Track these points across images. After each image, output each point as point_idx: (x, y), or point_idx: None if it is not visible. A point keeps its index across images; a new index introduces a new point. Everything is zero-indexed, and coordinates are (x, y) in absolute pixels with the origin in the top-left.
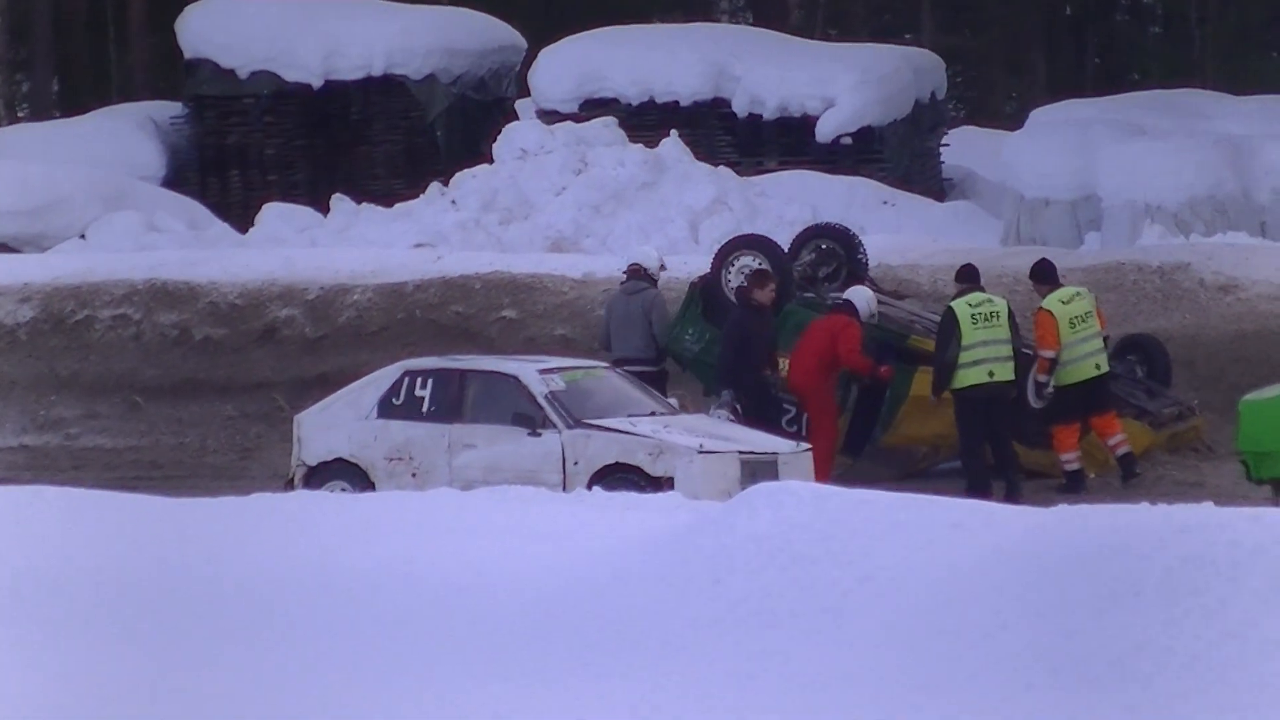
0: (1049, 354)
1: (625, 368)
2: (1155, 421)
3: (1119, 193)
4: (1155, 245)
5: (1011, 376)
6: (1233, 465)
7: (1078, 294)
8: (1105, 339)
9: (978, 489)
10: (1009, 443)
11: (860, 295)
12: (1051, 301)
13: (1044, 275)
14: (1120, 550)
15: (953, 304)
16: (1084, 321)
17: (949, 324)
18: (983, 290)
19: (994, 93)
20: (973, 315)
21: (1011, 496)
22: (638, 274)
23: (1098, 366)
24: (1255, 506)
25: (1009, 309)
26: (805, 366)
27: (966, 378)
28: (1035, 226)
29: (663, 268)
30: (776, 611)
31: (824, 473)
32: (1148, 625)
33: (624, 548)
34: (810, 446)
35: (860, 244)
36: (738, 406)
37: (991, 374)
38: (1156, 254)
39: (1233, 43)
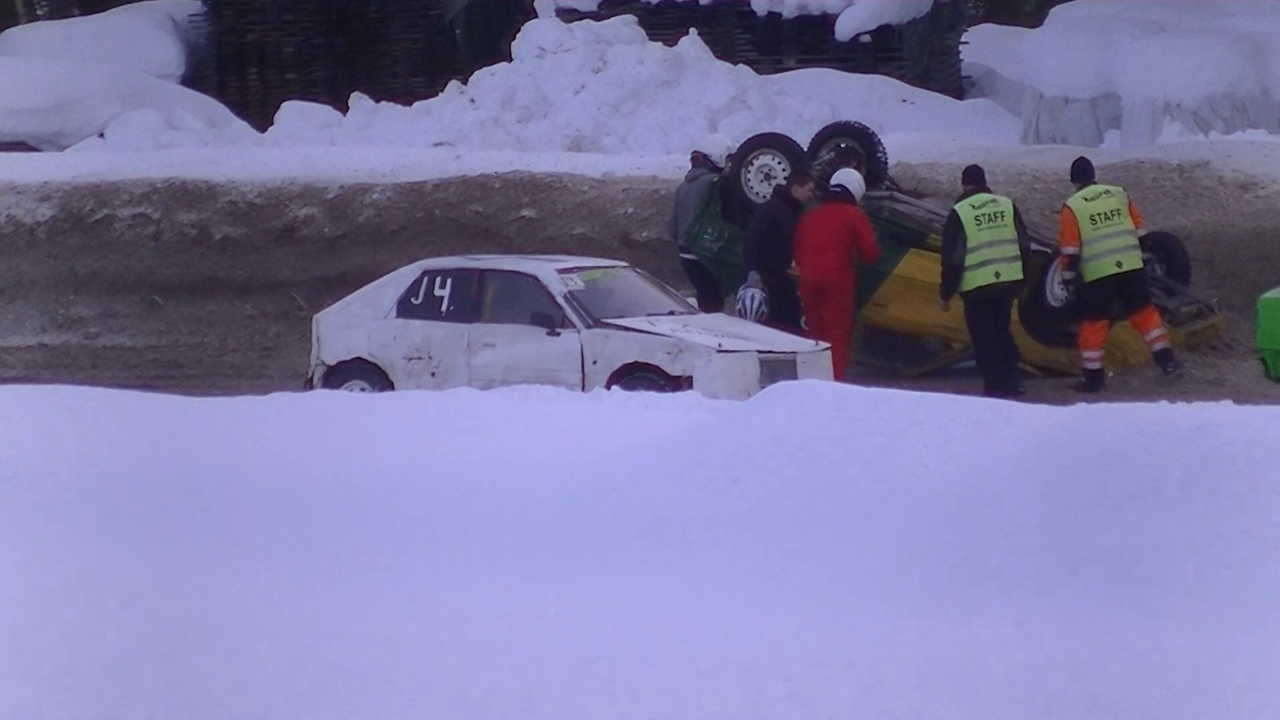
0: (1069, 250)
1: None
2: (1174, 319)
3: (1138, 90)
4: (1174, 143)
5: (1019, 276)
6: (1252, 363)
7: (1106, 191)
8: (1143, 237)
9: (996, 387)
10: (1009, 337)
11: (853, 180)
12: (1075, 199)
13: (1077, 172)
14: (1139, 448)
15: (956, 206)
16: (1107, 219)
17: (953, 227)
18: (988, 191)
19: None
20: (976, 216)
21: (1005, 390)
22: (699, 161)
23: (1119, 264)
24: (1274, 404)
25: (1015, 208)
26: (829, 263)
27: (974, 279)
28: (1055, 124)
29: (729, 157)
30: (795, 510)
31: (840, 370)
32: (1166, 523)
33: (642, 446)
34: (829, 345)
35: (879, 142)
36: (761, 290)
37: (998, 274)
38: (1176, 152)
39: None
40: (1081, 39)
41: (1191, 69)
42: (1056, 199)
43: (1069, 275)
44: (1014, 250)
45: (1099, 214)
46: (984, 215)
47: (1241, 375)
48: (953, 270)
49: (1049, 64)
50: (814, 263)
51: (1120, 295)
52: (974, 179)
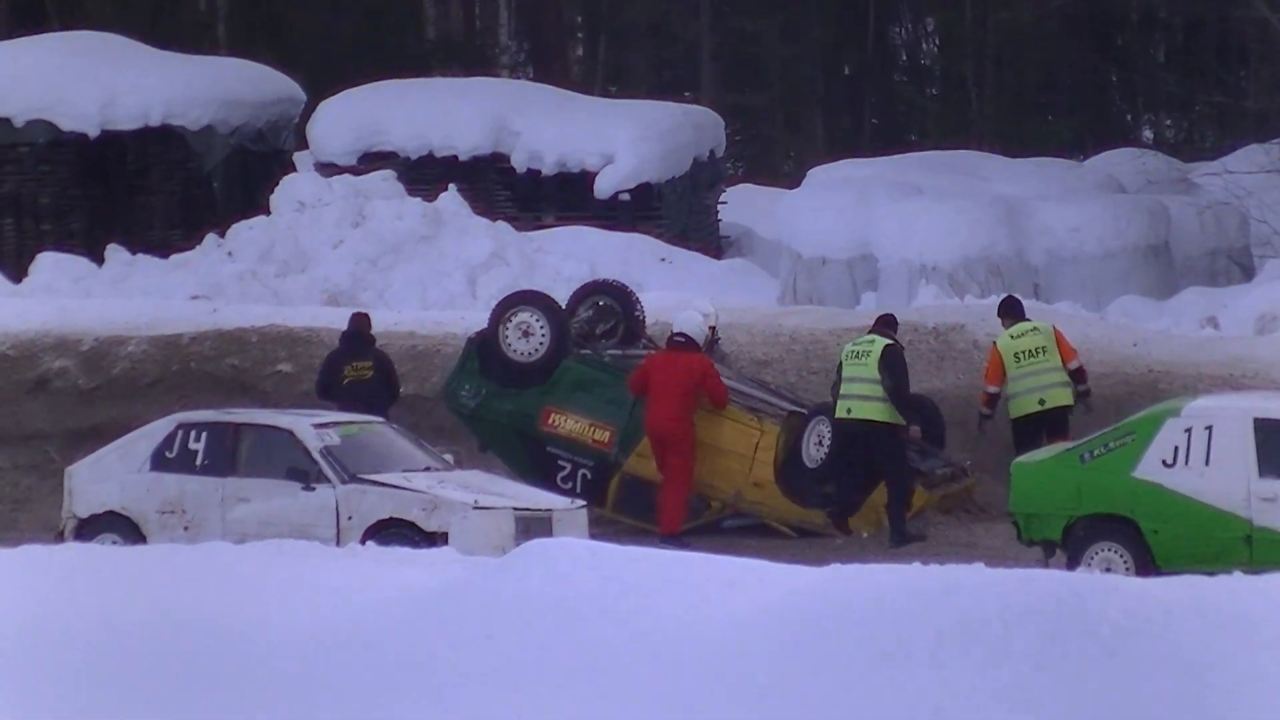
0: (990, 389)
1: None
2: (929, 481)
3: (895, 252)
4: (930, 305)
5: (870, 416)
6: (1005, 526)
7: (1034, 329)
8: (1076, 370)
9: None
10: (876, 479)
11: (692, 324)
12: (1003, 337)
13: (1005, 310)
14: (893, 610)
15: (997, 341)
16: (1032, 356)
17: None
18: (1026, 319)
19: (773, 151)
20: (1016, 354)
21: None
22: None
23: (1041, 401)
24: (1026, 568)
25: (881, 351)
26: (671, 411)
27: (1015, 408)
28: (813, 285)
29: (712, 329)
30: (550, 667)
31: (676, 521)
32: (920, 685)
33: (397, 601)
34: (584, 504)
35: (638, 300)
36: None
37: (850, 410)
38: (931, 314)
39: (1008, 105)
40: (838, 200)
41: (947, 231)
42: (814, 359)
43: (986, 412)
44: (1055, 378)
45: (1023, 351)
46: (1023, 352)
47: (995, 538)
48: (990, 398)
49: (806, 224)
50: (656, 411)
51: (1045, 432)
52: (1010, 311)
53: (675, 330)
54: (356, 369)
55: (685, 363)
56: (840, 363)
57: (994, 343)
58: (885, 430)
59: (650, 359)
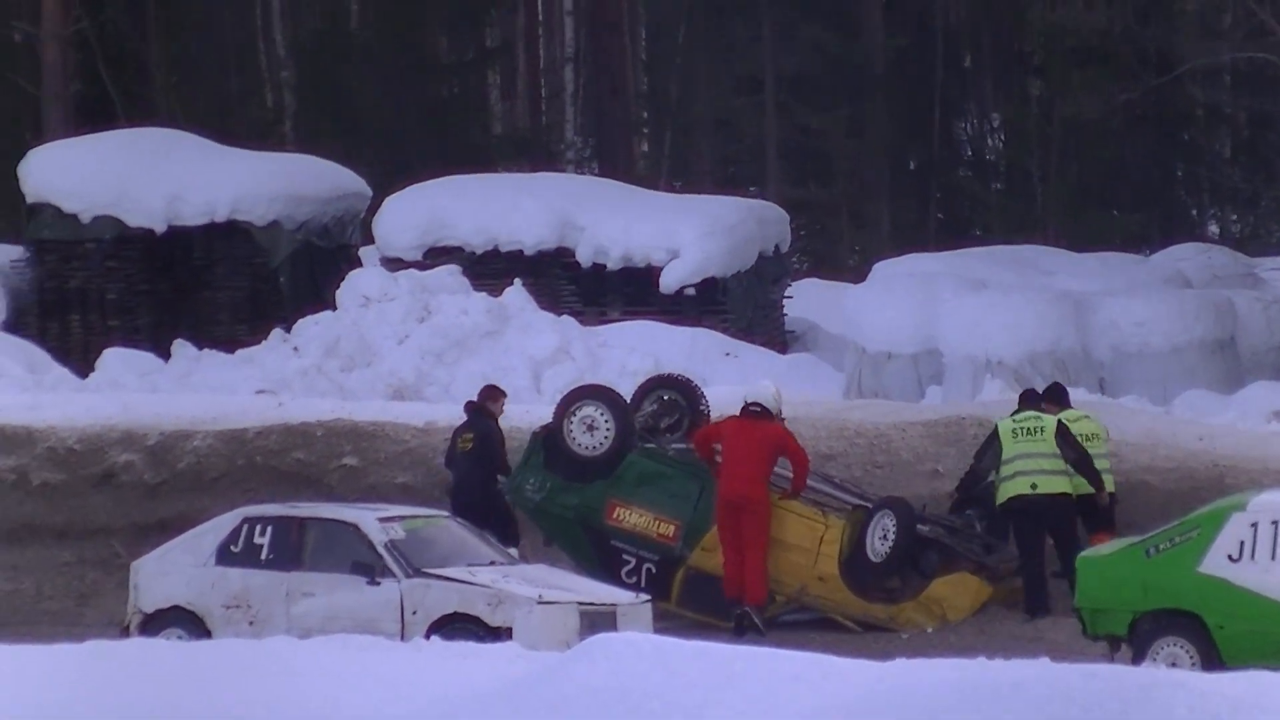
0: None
1: None
2: (992, 575)
3: (960, 346)
4: (996, 400)
5: (1062, 489)
6: (1070, 621)
7: (1037, 416)
8: (1077, 462)
9: (1032, 606)
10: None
11: (766, 394)
12: (1003, 419)
13: (1052, 395)
14: (958, 705)
15: (998, 421)
16: (1029, 436)
17: (990, 439)
18: (1070, 407)
19: (838, 245)
20: (1014, 430)
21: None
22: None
23: (1033, 486)
24: (1090, 662)
25: (1060, 425)
26: (750, 475)
27: (1008, 489)
28: (877, 379)
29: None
30: None
31: (761, 591)
32: None
33: (462, 697)
34: (649, 598)
35: (702, 395)
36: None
37: (1034, 486)
38: (997, 409)
39: (1073, 199)
40: (903, 294)
41: (1012, 326)
42: (878, 453)
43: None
44: (1052, 464)
45: (1020, 429)
46: (1021, 430)
47: (1059, 633)
48: (973, 476)
49: (871, 318)
50: (738, 477)
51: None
52: (1056, 398)
53: (750, 400)
54: (463, 440)
55: (763, 431)
56: (997, 442)
57: (996, 424)
58: (1070, 502)
59: (722, 425)
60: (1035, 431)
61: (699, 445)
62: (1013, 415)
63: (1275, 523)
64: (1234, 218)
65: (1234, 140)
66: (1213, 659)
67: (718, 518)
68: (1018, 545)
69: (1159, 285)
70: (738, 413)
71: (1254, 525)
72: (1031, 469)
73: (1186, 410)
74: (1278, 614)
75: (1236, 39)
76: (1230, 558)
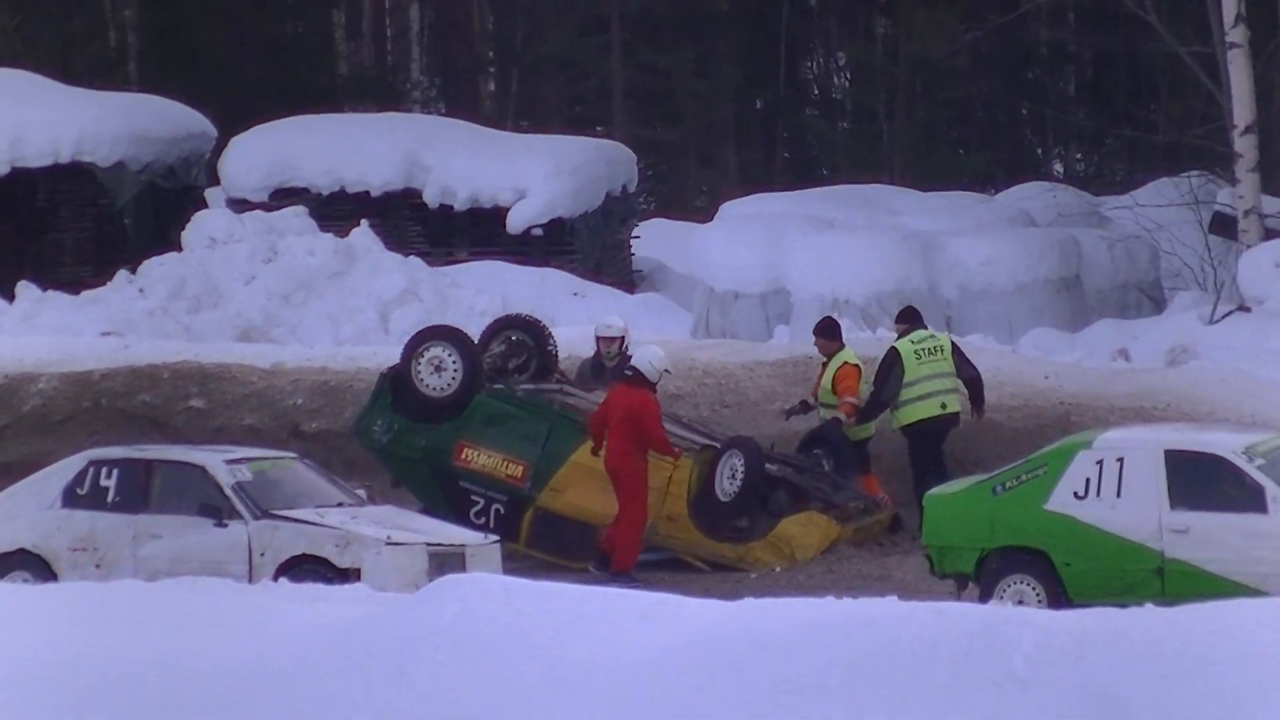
0: (850, 400)
1: None
2: (841, 514)
3: (808, 286)
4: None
5: (959, 409)
6: (918, 559)
7: (932, 335)
8: (972, 380)
9: None
10: (945, 472)
11: (645, 357)
12: (900, 341)
13: (906, 317)
14: (806, 643)
15: (895, 343)
16: (932, 356)
17: (890, 361)
18: (925, 328)
19: (685, 185)
20: (916, 351)
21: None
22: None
23: (943, 406)
24: (939, 600)
25: (954, 344)
26: (621, 447)
27: (917, 412)
28: (725, 319)
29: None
30: (463, 703)
31: (629, 559)
32: (832, 717)
33: (310, 638)
34: (497, 539)
35: (550, 335)
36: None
37: (944, 406)
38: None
39: (919, 139)
40: (750, 234)
41: (860, 265)
42: (727, 393)
43: (828, 415)
44: (954, 384)
45: (924, 350)
46: (923, 350)
47: (907, 571)
48: (879, 404)
49: (719, 259)
50: (608, 447)
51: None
52: (910, 318)
53: (631, 363)
54: None
55: (629, 398)
56: (899, 358)
57: (892, 347)
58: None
59: (609, 394)
60: (936, 351)
61: (593, 425)
62: (909, 337)
63: (1120, 460)
64: (1079, 156)
65: (1078, 79)
66: (1059, 596)
67: None
68: (922, 467)
69: (1004, 224)
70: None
71: (1099, 463)
72: (940, 389)
73: (1032, 349)
74: (1123, 550)
75: None
76: (1076, 495)
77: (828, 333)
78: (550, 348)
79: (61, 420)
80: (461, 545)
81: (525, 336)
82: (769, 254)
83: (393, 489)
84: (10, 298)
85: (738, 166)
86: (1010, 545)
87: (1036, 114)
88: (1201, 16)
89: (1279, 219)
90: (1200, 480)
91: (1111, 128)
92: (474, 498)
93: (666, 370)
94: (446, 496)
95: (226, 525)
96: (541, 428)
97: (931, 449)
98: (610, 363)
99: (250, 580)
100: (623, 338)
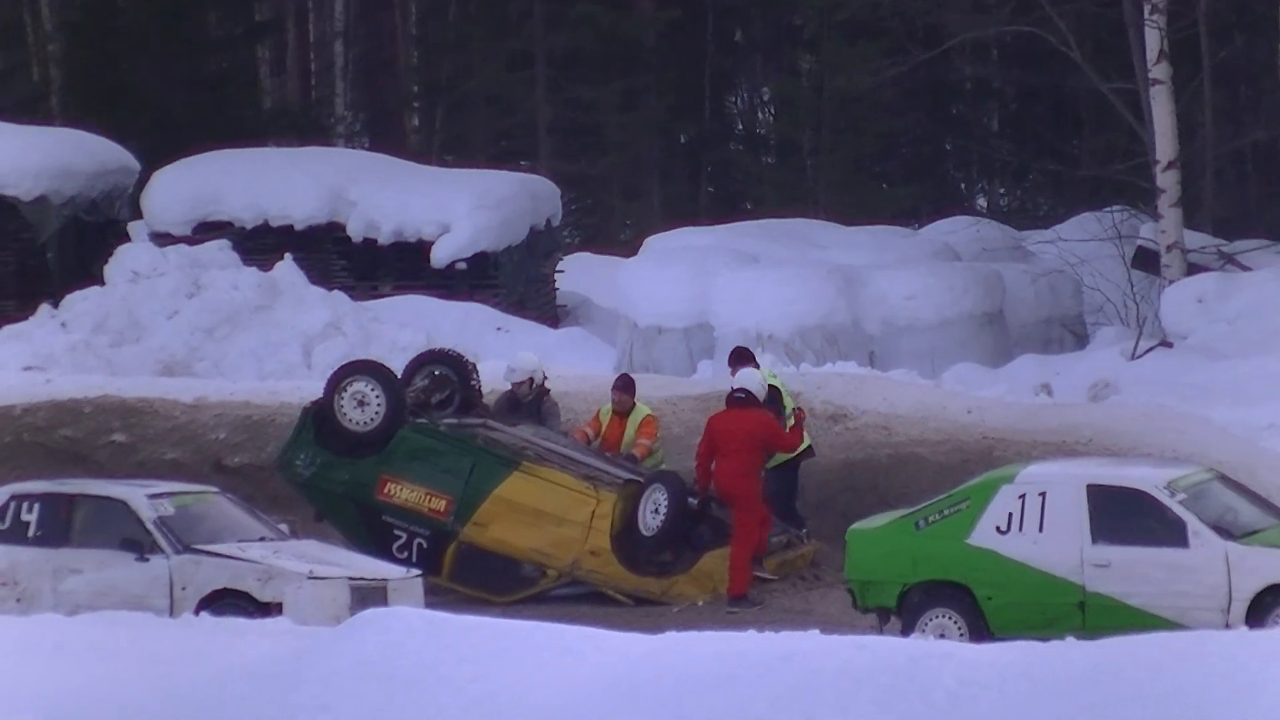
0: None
1: None
2: (764, 549)
3: (732, 321)
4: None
5: None
6: (840, 593)
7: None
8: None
9: None
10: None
11: (753, 380)
12: (771, 377)
13: (738, 358)
14: (728, 677)
15: (770, 380)
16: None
17: (776, 396)
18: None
19: (610, 219)
20: (781, 385)
21: None
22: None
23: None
24: (862, 634)
25: None
26: (742, 469)
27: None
28: (649, 353)
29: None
30: None
31: (744, 582)
32: None
33: (232, 673)
34: (420, 573)
35: (474, 369)
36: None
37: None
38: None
39: (844, 173)
40: (675, 268)
41: (784, 300)
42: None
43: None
44: None
45: (781, 384)
46: (781, 384)
47: (830, 605)
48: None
49: (643, 293)
50: (723, 469)
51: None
52: (749, 358)
53: (735, 387)
54: None
55: (749, 419)
56: (781, 398)
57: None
58: None
59: (712, 421)
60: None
61: (702, 454)
62: (768, 371)
63: (1042, 494)
64: (1002, 191)
65: (1002, 114)
66: (981, 630)
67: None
68: (789, 496)
69: (928, 259)
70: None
71: (1022, 497)
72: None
73: (956, 383)
74: (1045, 584)
75: (1004, 14)
76: (999, 529)
77: (745, 358)
78: (474, 382)
79: None
80: (384, 579)
81: (449, 371)
82: (693, 288)
83: (315, 523)
84: None
85: (662, 201)
86: (933, 579)
87: (961, 148)
88: (1124, 53)
89: (1201, 254)
90: (1122, 515)
91: (1035, 162)
92: (397, 532)
93: (542, 376)
94: (369, 531)
95: (148, 560)
96: (465, 462)
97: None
98: (526, 400)
99: (172, 614)
100: (532, 378)
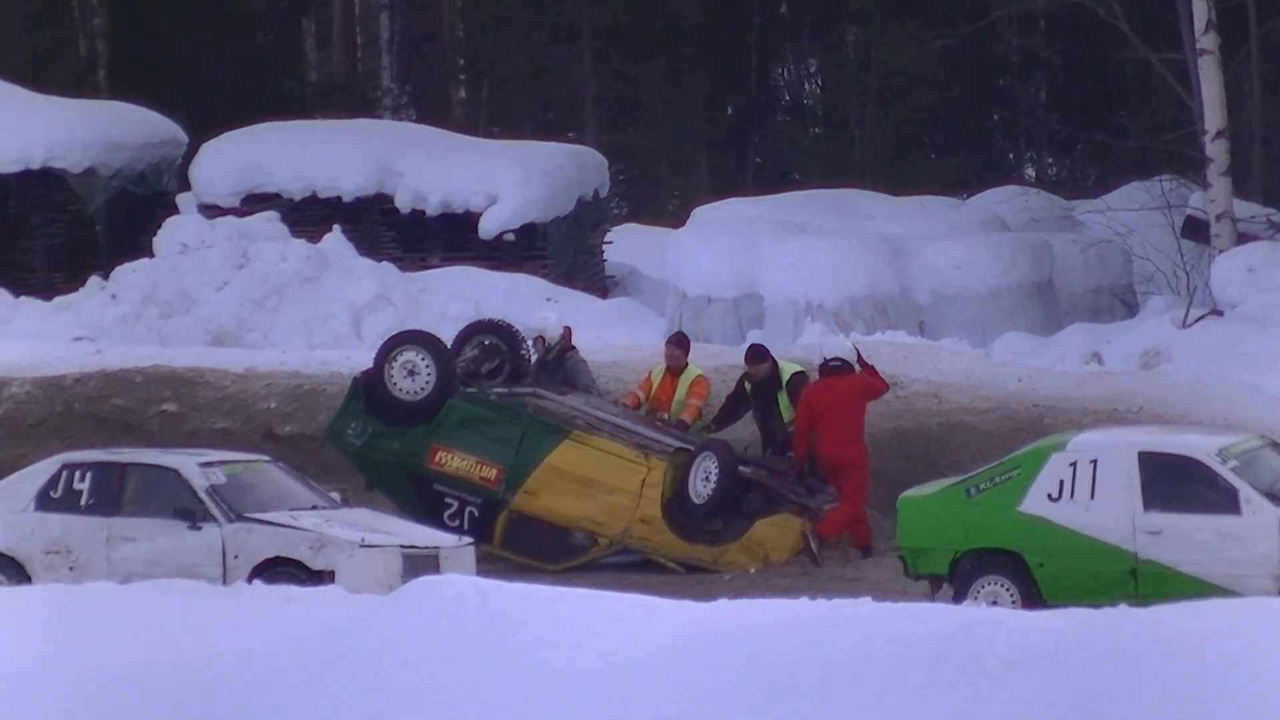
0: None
1: None
2: (815, 517)
3: (780, 291)
4: (816, 343)
5: None
6: (892, 561)
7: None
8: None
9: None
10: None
11: (844, 347)
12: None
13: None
14: (780, 644)
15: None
16: None
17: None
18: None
19: (657, 190)
20: None
21: None
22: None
23: None
24: (913, 602)
25: None
26: (851, 434)
27: None
28: (698, 323)
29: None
30: (438, 705)
31: (868, 532)
32: (808, 717)
33: (285, 641)
34: (471, 541)
35: (523, 340)
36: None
37: None
38: (817, 351)
39: (891, 145)
40: (723, 239)
41: (832, 270)
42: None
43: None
44: None
45: None
46: None
47: (881, 573)
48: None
49: (691, 264)
50: (834, 438)
51: None
52: (765, 355)
53: (829, 356)
54: None
55: (849, 384)
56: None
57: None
58: None
59: (809, 391)
60: None
61: (803, 425)
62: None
63: (1094, 462)
64: (1050, 161)
65: (1049, 85)
66: (1033, 597)
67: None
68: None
69: (977, 229)
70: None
71: (1073, 465)
72: None
73: (1005, 352)
74: (1096, 552)
75: None
76: (1050, 497)
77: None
78: (523, 352)
79: (34, 425)
80: (436, 547)
81: (498, 341)
82: (741, 259)
83: (366, 492)
84: None
85: (709, 172)
86: (984, 547)
87: (1008, 119)
88: (1172, 23)
89: (1251, 223)
90: (1174, 482)
91: (1083, 133)
92: (448, 500)
93: (568, 328)
94: (420, 499)
95: (200, 528)
96: (515, 431)
97: None
98: (550, 359)
99: (224, 583)
100: (541, 336)
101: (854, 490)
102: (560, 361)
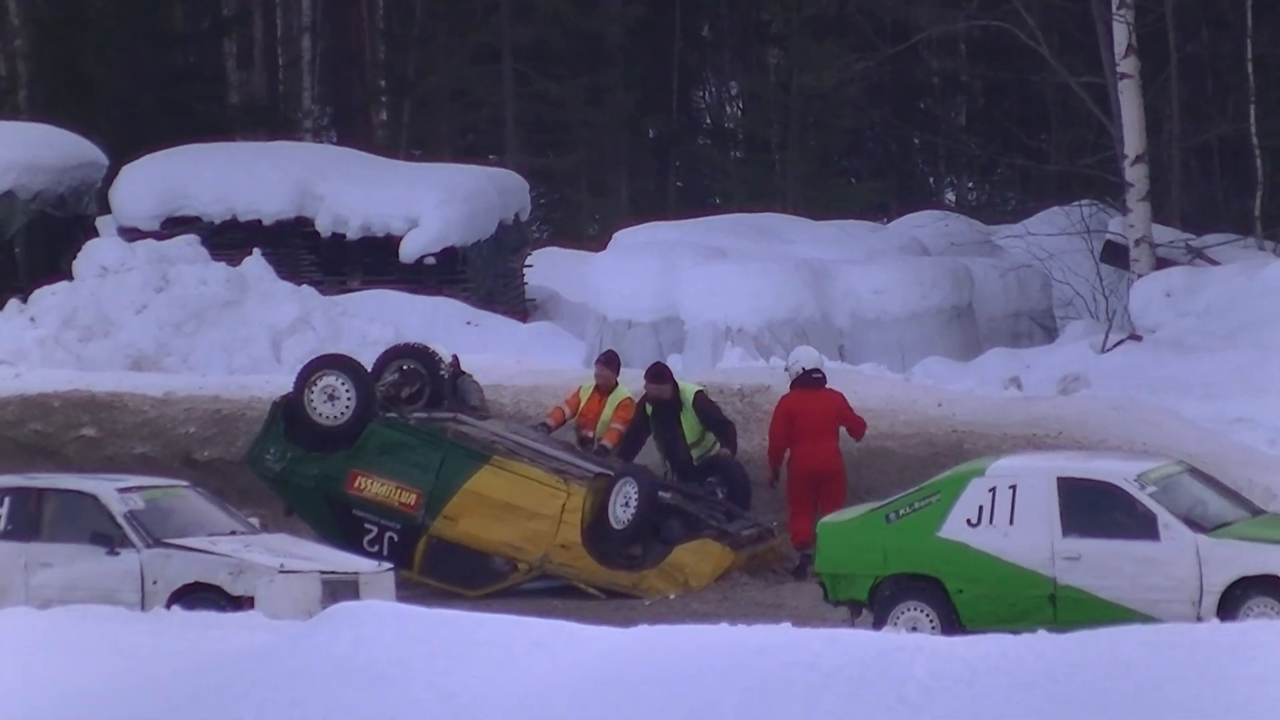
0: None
1: None
2: (735, 543)
3: (700, 314)
4: (736, 367)
5: None
6: (812, 586)
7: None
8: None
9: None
10: None
11: (811, 357)
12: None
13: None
14: (700, 670)
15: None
16: None
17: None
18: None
19: (578, 214)
20: None
21: None
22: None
23: None
24: (832, 628)
25: None
26: (835, 445)
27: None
28: (619, 347)
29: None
30: None
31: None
32: None
33: (203, 666)
34: (391, 567)
35: (443, 363)
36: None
37: None
38: (737, 376)
39: (812, 168)
40: (644, 263)
41: (752, 294)
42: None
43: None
44: None
45: None
46: None
47: (801, 598)
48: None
49: (612, 287)
50: (814, 450)
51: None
52: (667, 376)
53: (809, 367)
54: None
55: (832, 398)
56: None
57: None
58: None
59: (788, 402)
60: None
61: (778, 435)
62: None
63: (1013, 487)
64: (970, 185)
65: (970, 109)
66: (952, 623)
67: (795, 486)
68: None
69: (897, 253)
70: (791, 384)
71: (992, 490)
72: None
73: (925, 377)
74: (1016, 577)
75: (971, 8)
76: (969, 522)
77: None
78: (443, 375)
79: None
80: (355, 573)
81: (418, 365)
82: (662, 282)
83: (285, 517)
84: None
85: (630, 195)
86: (903, 572)
87: (928, 143)
88: (1092, 48)
89: (1170, 248)
90: (1093, 508)
91: (1003, 157)
92: (367, 526)
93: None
94: (339, 525)
95: (119, 554)
96: (435, 456)
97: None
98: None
99: (143, 608)
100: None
101: (838, 501)
102: (453, 387)
